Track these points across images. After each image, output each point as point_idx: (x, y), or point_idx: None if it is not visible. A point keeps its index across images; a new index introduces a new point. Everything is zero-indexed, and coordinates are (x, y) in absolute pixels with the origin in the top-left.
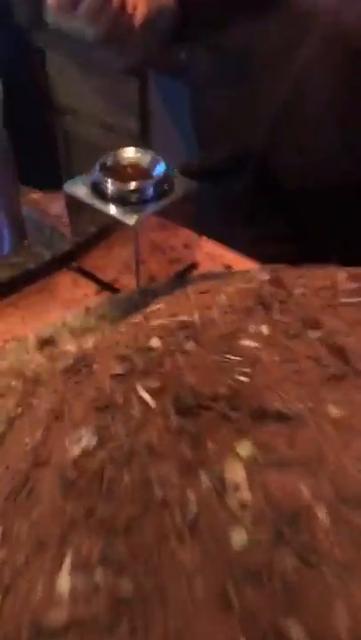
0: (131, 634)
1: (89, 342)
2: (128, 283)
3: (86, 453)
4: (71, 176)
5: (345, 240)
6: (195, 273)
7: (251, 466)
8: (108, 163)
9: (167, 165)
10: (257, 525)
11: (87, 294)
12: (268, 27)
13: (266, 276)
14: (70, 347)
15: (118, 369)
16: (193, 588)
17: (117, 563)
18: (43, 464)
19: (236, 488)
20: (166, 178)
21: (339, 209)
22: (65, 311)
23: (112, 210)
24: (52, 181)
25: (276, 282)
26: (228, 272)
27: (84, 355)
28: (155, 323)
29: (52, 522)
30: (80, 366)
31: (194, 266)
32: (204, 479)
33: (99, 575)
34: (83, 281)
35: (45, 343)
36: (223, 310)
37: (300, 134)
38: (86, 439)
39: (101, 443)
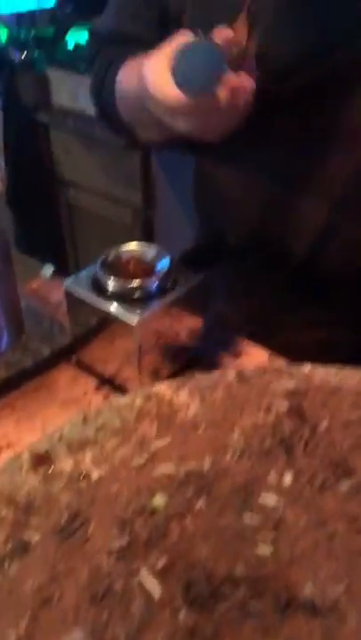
0: None
1: (87, 458)
2: (130, 377)
3: None
4: (75, 247)
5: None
6: (202, 364)
7: None
8: (110, 258)
9: (171, 259)
10: None
11: (87, 392)
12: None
13: (285, 405)
14: (67, 464)
15: (117, 541)
16: None
17: None
18: None
19: None
20: (170, 273)
21: None
22: (63, 411)
23: (113, 308)
24: (56, 252)
25: (297, 413)
26: (238, 375)
27: (79, 511)
28: (159, 472)
29: None
30: (76, 526)
31: (200, 357)
32: None
33: None
34: (82, 376)
35: (40, 461)
36: (239, 453)
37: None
38: None
39: None
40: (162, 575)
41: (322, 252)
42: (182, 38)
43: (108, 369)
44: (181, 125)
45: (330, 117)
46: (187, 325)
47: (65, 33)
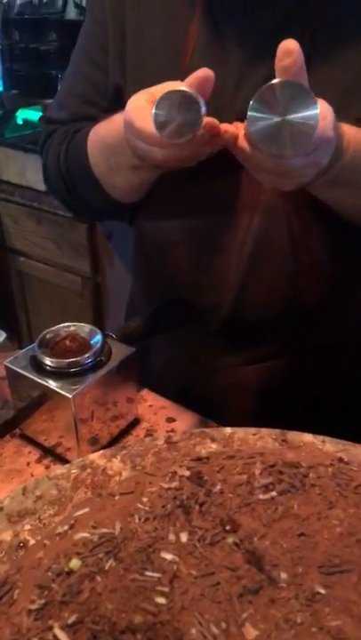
0: None
1: (25, 529)
2: (70, 447)
3: None
4: (27, 312)
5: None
6: (139, 428)
7: None
8: (48, 336)
9: (104, 336)
10: None
11: (29, 462)
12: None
13: (187, 472)
14: (6, 535)
15: (37, 602)
16: None
17: None
18: None
19: None
20: (103, 348)
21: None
22: (6, 482)
23: (50, 383)
24: (8, 318)
25: (196, 479)
26: (165, 444)
27: (7, 580)
28: (77, 536)
29: None
30: (4, 591)
31: (136, 421)
32: None
33: None
34: (26, 448)
35: None
36: (144, 517)
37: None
38: None
39: None
40: (72, 629)
41: (244, 302)
42: (168, 84)
43: (50, 440)
44: (157, 156)
45: (231, 181)
46: (122, 394)
47: (12, 114)
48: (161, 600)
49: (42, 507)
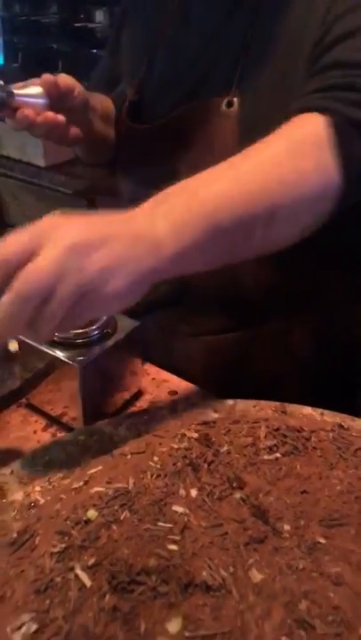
0: None
1: (36, 490)
2: (75, 416)
3: None
4: None
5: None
6: (142, 400)
7: (181, 637)
8: None
9: None
10: None
11: (36, 430)
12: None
13: (195, 434)
14: (18, 496)
15: (58, 546)
16: None
17: None
18: None
19: None
20: (110, 321)
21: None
22: (15, 450)
23: (58, 354)
24: None
25: (204, 440)
26: (169, 414)
27: (27, 528)
28: (93, 490)
29: None
30: (24, 540)
31: (140, 393)
32: None
33: None
34: (32, 417)
35: None
36: (156, 474)
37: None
38: (27, 626)
39: (41, 628)
40: (92, 570)
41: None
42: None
43: (55, 410)
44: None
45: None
46: (126, 366)
47: None
48: (173, 547)
49: (51, 470)
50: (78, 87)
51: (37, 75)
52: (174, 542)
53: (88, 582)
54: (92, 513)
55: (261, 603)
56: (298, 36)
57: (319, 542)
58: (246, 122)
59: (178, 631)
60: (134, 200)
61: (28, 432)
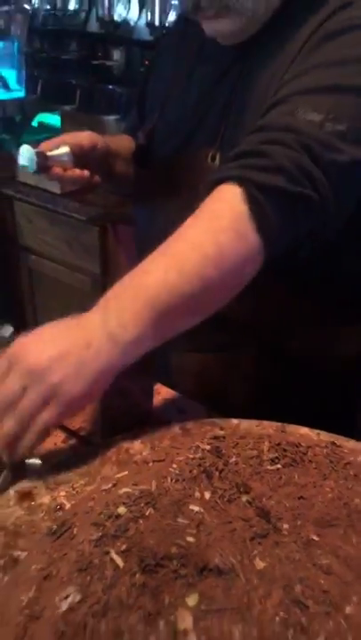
0: None
1: (61, 494)
2: (93, 431)
3: (73, 608)
4: (34, 309)
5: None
6: (153, 418)
7: (197, 613)
8: None
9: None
10: None
11: (56, 443)
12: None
13: (208, 447)
14: (45, 499)
15: (94, 534)
16: None
17: None
18: (37, 618)
19: (185, 634)
20: None
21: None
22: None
23: None
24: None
25: (216, 452)
26: (180, 430)
27: (65, 521)
28: (121, 491)
29: None
30: (63, 531)
31: (151, 411)
32: (162, 627)
33: None
34: (53, 431)
35: (24, 497)
36: (175, 479)
37: None
38: (72, 596)
39: (84, 598)
40: (124, 554)
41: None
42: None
43: (74, 424)
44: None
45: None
46: (139, 384)
47: (31, 119)
48: (190, 539)
49: (74, 477)
50: (100, 142)
51: (56, 104)
52: (191, 535)
53: (121, 564)
54: (121, 509)
55: (264, 585)
56: (264, 101)
57: (313, 539)
58: None
59: (195, 605)
60: (143, 227)
61: (50, 444)
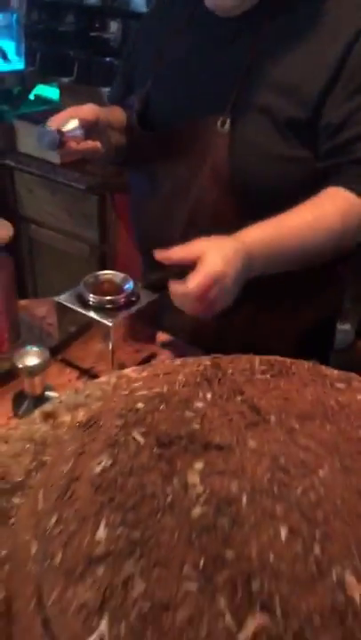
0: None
1: (80, 414)
2: (103, 369)
3: (105, 470)
4: (34, 277)
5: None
6: (156, 360)
7: (203, 474)
8: (90, 280)
9: (135, 282)
10: (205, 505)
11: (71, 379)
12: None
13: (208, 363)
14: (66, 418)
15: (119, 423)
16: (171, 538)
17: (129, 523)
18: (77, 479)
19: (194, 486)
20: (134, 292)
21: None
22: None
23: (93, 315)
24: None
25: (215, 366)
26: (182, 361)
27: (93, 415)
28: (138, 393)
29: (90, 507)
30: (92, 423)
31: (154, 355)
32: (176, 482)
33: (120, 530)
34: (67, 369)
35: (48, 416)
36: (182, 385)
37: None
38: (104, 462)
39: (114, 463)
40: (143, 435)
41: None
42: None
43: (86, 364)
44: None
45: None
46: (145, 330)
47: (30, 90)
48: (196, 426)
49: (90, 401)
50: (102, 114)
51: (54, 76)
52: (197, 423)
53: (142, 441)
54: (140, 405)
55: (255, 457)
56: (294, 79)
57: (295, 427)
58: (235, 141)
59: (201, 469)
60: (141, 193)
61: (64, 380)
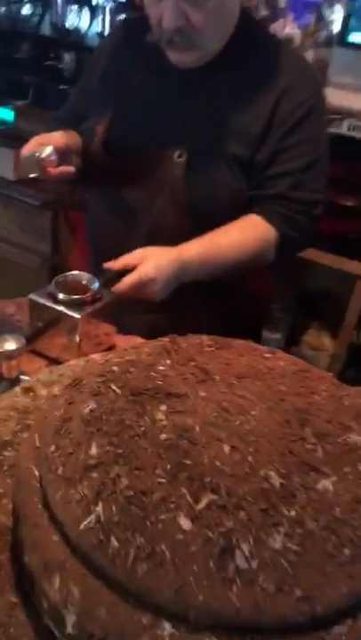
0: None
1: (55, 389)
2: (68, 359)
3: (93, 410)
4: None
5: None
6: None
7: (166, 413)
8: (60, 280)
9: (99, 284)
10: (170, 433)
11: (40, 366)
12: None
13: (167, 339)
14: (44, 392)
15: (99, 380)
16: (145, 453)
17: (115, 444)
18: (69, 419)
19: (161, 420)
20: (99, 291)
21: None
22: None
23: (63, 309)
24: None
25: (172, 342)
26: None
27: (77, 377)
28: (113, 360)
29: (82, 435)
30: (77, 382)
31: (113, 347)
32: (147, 418)
33: (108, 448)
34: (36, 358)
35: (28, 390)
36: (147, 355)
37: None
38: (91, 406)
39: (99, 406)
40: (120, 388)
41: None
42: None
43: (53, 354)
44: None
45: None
46: (105, 326)
47: None
48: (160, 382)
49: (64, 379)
50: (68, 140)
51: (10, 99)
52: (160, 380)
53: (119, 392)
54: (115, 368)
55: (204, 402)
56: (240, 123)
57: (234, 383)
58: (191, 170)
59: (165, 410)
60: (99, 211)
61: (35, 367)
